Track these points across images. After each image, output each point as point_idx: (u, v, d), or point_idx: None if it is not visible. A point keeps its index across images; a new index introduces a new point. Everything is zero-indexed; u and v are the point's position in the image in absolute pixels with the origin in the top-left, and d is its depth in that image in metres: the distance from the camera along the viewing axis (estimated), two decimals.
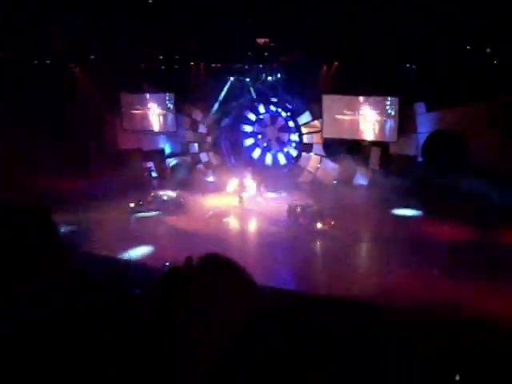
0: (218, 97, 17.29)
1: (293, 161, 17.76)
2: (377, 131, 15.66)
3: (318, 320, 5.54)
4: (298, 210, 12.93)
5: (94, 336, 1.53)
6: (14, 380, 1.45)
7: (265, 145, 18.09)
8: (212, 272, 1.14)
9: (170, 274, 1.16)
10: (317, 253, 12.01)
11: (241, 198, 14.42)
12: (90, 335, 1.55)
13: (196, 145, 18.46)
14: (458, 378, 3.74)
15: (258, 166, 17.33)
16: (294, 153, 17.77)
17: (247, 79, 16.98)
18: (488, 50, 13.74)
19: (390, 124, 15.34)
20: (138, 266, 9.00)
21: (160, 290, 1.14)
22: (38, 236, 1.76)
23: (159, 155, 18.41)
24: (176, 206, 14.02)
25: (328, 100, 16.10)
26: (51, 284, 1.70)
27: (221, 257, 1.20)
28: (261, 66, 16.40)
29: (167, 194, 14.53)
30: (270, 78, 16.68)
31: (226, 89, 17.17)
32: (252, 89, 17.13)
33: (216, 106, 17.44)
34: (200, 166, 18.24)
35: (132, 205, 13.91)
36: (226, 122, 17.98)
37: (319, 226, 12.28)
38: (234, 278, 1.15)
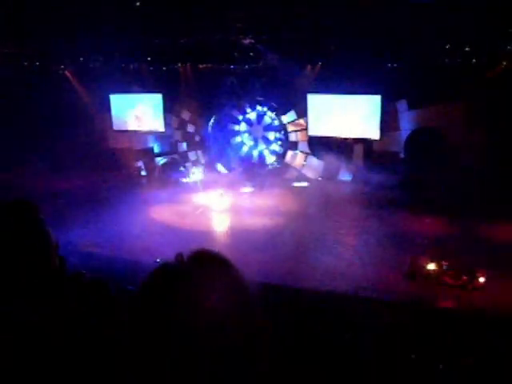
0: (206, 97, 17.54)
1: (279, 159, 18.01)
2: (360, 129, 15.98)
3: (307, 313, 5.72)
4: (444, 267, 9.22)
5: (94, 333, 1.55)
6: (14, 380, 1.46)
7: (251, 143, 18.38)
8: (202, 267, 1.13)
9: (160, 270, 1.14)
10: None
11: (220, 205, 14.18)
12: (90, 333, 1.57)
13: (184, 144, 18.77)
14: (441, 366, 3.93)
15: (245, 164, 17.65)
16: (279, 151, 18.04)
17: (233, 79, 17.25)
18: (467, 49, 14.20)
19: (373, 121, 15.65)
20: (130, 262, 9.20)
21: (151, 287, 1.12)
22: (26, 234, 1.75)
23: (148, 154, 18.66)
24: None
25: (312, 99, 16.48)
26: (47, 284, 1.73)
27: (210, 252, 1.19)
28: (246, 66, 16.68)
29: None
30: (255, 77, 16.91)
31: (212, 88, 17.43)
32: (238, 88, 17.40)
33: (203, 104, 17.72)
34: (189, 164, 18.48)
35: None
36: (213, 121, 18.25)
37: (482, 280, 8.64)
38: (224, 273, 1.15)
